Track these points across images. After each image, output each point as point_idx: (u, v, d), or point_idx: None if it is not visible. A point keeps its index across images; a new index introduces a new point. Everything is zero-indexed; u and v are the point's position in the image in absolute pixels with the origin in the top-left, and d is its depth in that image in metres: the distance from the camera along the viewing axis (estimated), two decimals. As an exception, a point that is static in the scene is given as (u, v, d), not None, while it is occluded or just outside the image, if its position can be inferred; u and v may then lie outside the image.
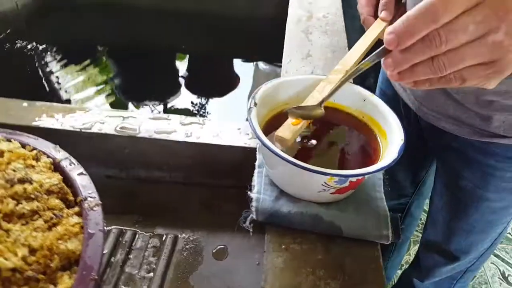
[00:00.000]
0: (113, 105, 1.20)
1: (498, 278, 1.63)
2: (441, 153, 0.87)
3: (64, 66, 1.30)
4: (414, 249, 1.68)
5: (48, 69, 1.27)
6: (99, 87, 1.26)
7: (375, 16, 0.65)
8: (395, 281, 1.39)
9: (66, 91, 1.22)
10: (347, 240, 0.56)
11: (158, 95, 1.27)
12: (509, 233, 1.80)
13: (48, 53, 1.32)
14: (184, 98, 1.27)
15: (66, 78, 1.26)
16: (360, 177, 0.53)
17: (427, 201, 1.15)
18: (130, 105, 1.25)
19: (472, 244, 0.93)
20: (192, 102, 1.25)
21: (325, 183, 0.52)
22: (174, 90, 1.31)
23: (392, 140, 0.56)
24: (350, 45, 0.91)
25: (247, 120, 0.56)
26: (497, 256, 1.70)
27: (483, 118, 0.70)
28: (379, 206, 0.59)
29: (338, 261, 0.54)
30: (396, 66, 0.41)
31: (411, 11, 0.37)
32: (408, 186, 1.09)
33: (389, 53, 0.41)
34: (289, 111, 0.55)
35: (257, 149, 0.66)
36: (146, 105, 1.24)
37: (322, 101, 0.56)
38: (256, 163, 0.64)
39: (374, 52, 0.46)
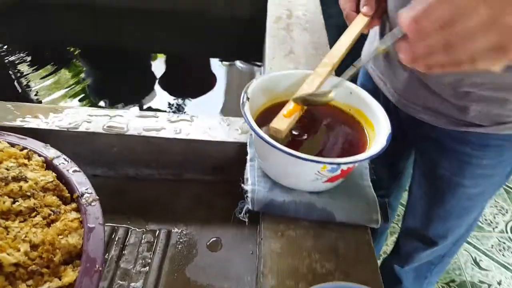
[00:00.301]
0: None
1: (471, 264, 1.70)
2: (419, 144, 0.90)
3: (36, 67, 1.28)
4: (391, 239, 1.73)
5: (18, 71, 1.25)
6: (71, 89, 1.24)
7: (357, 11, 0.68)
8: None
9: (37, 93, 1.20)
10: (339, 226, 0.59)
11: (133, 96, 1.26)
12: (480, 221, 1.87)
13: (19, 54, 1.30)
14: (160, 99, 1.26)
15: (37, 79, 1.24)
16: (351, 165, 0.55)
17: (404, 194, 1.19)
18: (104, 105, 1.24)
19: (449, 230, 0.96)
20: (168, 103, 1.25)
21: (318, 172, 0.54)
22: (149, 90, 1.31)
23: (379, 130, 0.58)
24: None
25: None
26: (469, 243, 1.77)
27: (460, 109, 0.73)
28: (368, 192, 0.62)
29: (332, 245, 0.56)
30: (412, 47, 0.44)
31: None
32: (386, 178, 1.12)
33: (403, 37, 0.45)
34: (294, 99, 0.58)
35: (248, 144, 0.68)
36: (121, 106, 1.23)
37: (335, 86, 0.59)
38: (248, 157, 0.66)
39: (388, 34, 0.49)
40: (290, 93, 0.61)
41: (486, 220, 1.87)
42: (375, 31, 0.86)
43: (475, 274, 1.66)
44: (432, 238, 1.00)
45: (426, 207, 0.96)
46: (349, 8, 0.68)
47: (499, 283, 1.64)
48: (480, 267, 1.69)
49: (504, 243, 1.79)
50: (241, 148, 0.70)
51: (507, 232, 1.84)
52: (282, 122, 0.56)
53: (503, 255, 1.74)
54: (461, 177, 0.84)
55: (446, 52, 0.42)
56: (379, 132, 0.58)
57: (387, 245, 1.70)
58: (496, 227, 1.85)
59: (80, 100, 1.21)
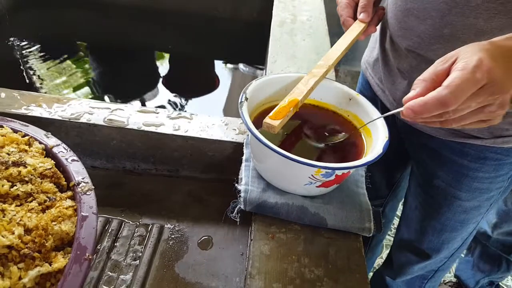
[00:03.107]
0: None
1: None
2: (417, 153, 0.90)
3: (43, 61, 1.29)
4: (386, 252, 1.72)
5: (27, 65, 1.26)
6: (77, 83, 1.26)
7: (354, 18, 0.70)
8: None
9: (43, 86, 1.22)
10: (330, 232, 0.59)
11: (136, 93, 1.28)
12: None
13: (28, 48, 1.32)
14: (162, 97, 1.28)
15: (44, 73, 1.25)
16: (345, 171, 0.56)
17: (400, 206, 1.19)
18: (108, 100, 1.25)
19: (444, 243, 0.96)
20: (171, 101, 1.26)
21: (312, 175, 0.55)
22: (152, 88, 1.32)
23: (377, 137, 0.58)
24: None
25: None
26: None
27: None
28: (361, 200, 0.62)
29: (322, 251, 0.56)
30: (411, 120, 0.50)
31: (428, 98, 0.46)
32: (383, 188, 1.12)
33: None
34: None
35: (244, 144, 0.69)
36: (123, 102, 1.24)
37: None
38: (243, 157, 0.66)
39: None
40: (287, 94, 0.61)
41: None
42: (375, 38, 0.87)
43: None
44: (425, 250, 1.00)
45: (421, 219, 0.96)
46: (346, 14, 0.70)
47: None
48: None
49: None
50: (238, 148, 0.71)
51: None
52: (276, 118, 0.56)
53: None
54: (458, 189, 0.84)
55: (439, 124, 0.50)
56: (376, 139, 0.59)
57: (381, 258, 1.69)
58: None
59: (85, 96, 1.23)
